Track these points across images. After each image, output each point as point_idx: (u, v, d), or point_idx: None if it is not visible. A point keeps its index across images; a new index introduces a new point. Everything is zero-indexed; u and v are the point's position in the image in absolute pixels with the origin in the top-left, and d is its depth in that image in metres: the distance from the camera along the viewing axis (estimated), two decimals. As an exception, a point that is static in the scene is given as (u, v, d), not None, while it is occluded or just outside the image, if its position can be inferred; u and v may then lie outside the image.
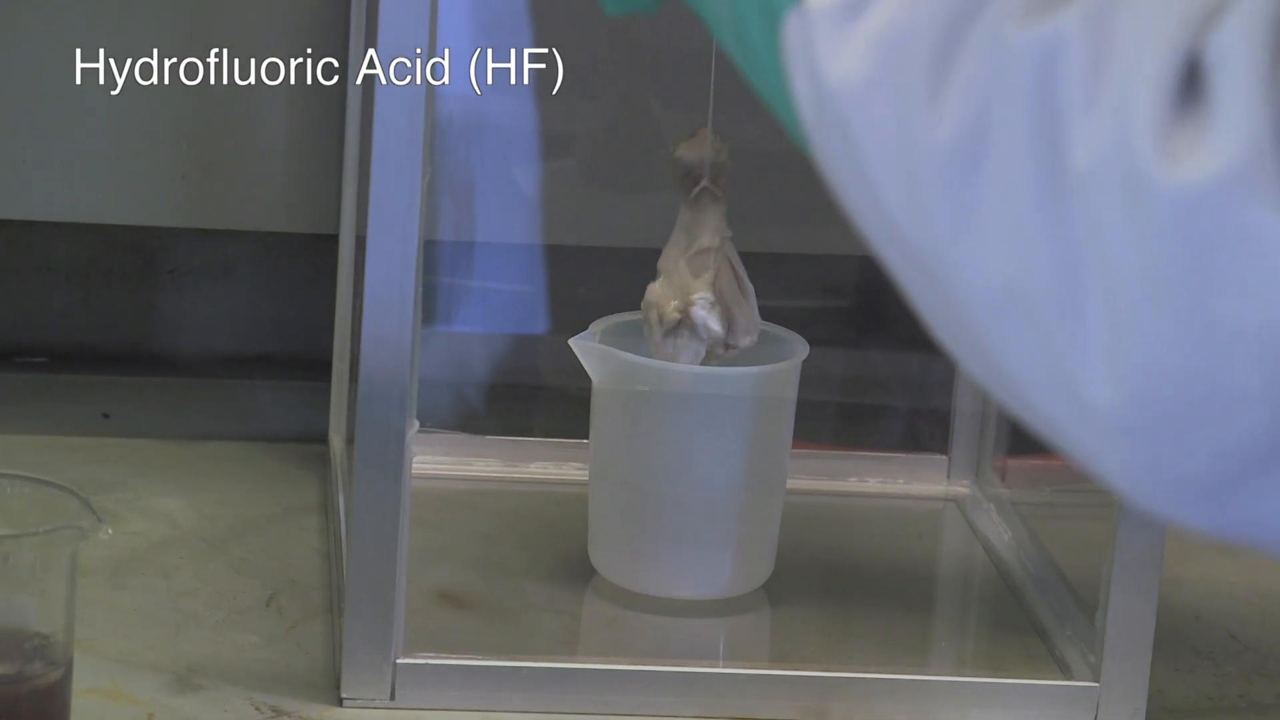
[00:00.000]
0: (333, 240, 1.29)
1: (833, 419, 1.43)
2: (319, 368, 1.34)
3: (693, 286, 1.14)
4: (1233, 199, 0.56)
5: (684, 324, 1.13)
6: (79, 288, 1.52)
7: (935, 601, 1.31)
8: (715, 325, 1.12)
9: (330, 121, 1.34)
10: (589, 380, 1.18)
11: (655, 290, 1.14)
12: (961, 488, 1.38)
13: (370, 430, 0.99)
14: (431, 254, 1.39)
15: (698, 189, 1.13)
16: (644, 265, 1.37)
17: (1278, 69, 0.56)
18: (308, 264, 1.42)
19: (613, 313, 1.23)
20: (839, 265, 1.52)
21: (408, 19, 0.97)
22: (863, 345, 1.49)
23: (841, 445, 1.40)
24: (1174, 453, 0.60)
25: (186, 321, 1.51)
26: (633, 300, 1.30)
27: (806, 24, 0.65)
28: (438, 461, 1.33)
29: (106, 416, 1.40)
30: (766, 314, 1.24)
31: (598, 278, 1.46)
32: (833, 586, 1.26)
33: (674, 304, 1.13)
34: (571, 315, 1.43)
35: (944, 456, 1.40)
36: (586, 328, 1.21)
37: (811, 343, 1.18)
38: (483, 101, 1.44)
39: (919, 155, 0.62)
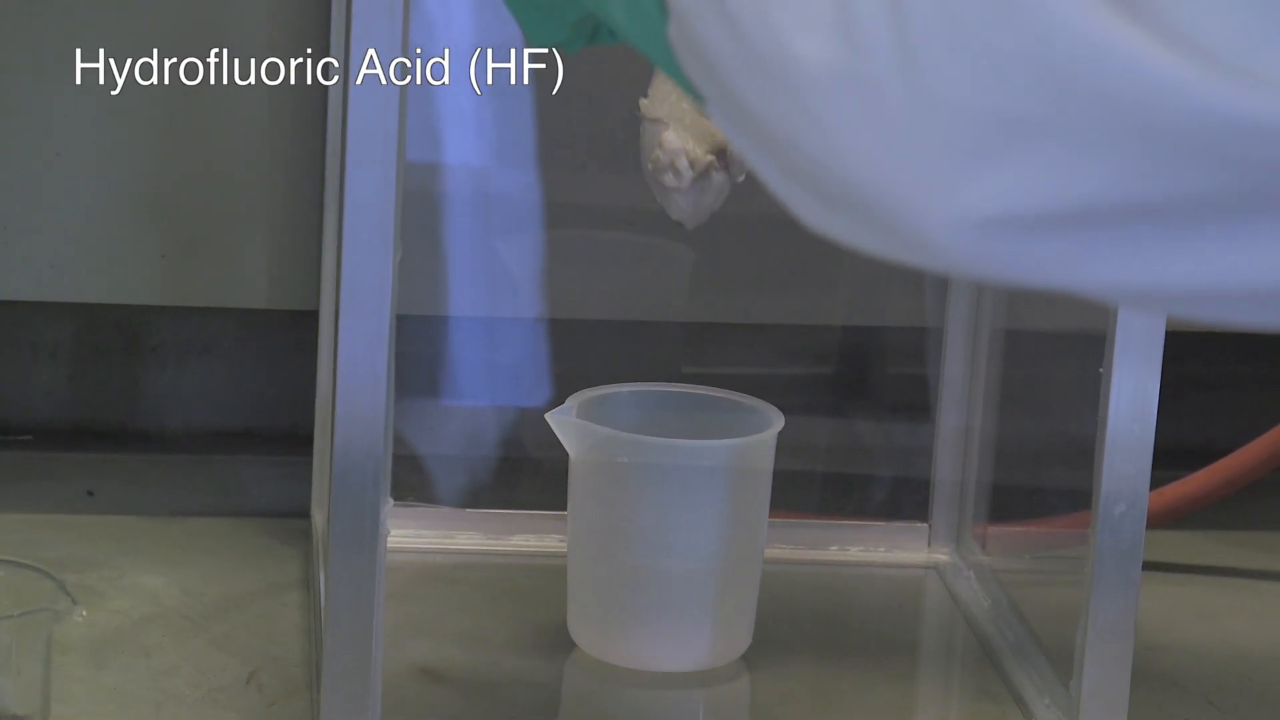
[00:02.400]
0: (314, 316, 1.31)
1: (814, 488, 1.45)
2: (301, 443, 1.34)
3: (714, 128, 1.11)
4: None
5: (712, 167, 1.12)
6: (63, 365, 1.53)
7: (915, 669, 1.31)
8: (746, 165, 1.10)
9: (310, 197, 1.38)
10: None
11: (672, 138, 1.12)
12: (942, 555, 1.39)
13: (345, 506, 1.00)
14: (408, 327, 1.40)
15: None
16: (621, 338, 1.38)
17: None
18: (289, 339, 1.43)
19: (590, 386, 1.24)
20: (819, 335, 1.55)
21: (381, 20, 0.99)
22: (843, 414, 1.51)
23: (823, 514, 1.41)
24: (990, 186, 0.63)
25: (170, 398, 1.53)
26: (611, 374, 1.32)
27: None
28: (419, 535, 1.34)
29: (91, 494, 1.41)
30: (748, 384, 1.26)
31: (576, 351, 1.49)
32: (813, 655, 1.26)
33: (704, 148, 1.11)
34: (551, 388, 1.46)
35: (925, 524, 1.40)
36: (564, 401, 1.22)
37: (792, 412, 1.19)
38: (457, 174, 1.45)
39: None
